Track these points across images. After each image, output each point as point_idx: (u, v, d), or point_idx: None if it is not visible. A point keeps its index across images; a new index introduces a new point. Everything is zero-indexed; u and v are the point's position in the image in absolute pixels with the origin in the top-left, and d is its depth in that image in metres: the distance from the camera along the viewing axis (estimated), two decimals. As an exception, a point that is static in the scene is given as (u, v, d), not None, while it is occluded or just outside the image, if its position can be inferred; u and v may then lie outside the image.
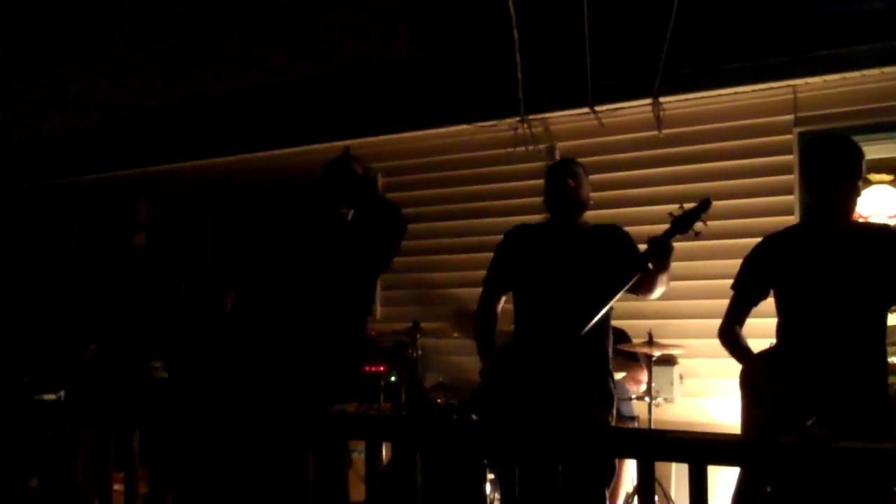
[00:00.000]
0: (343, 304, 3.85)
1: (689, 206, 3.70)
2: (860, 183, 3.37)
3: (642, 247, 3.81)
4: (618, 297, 3.74)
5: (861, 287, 3.28)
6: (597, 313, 3.69)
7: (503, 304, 4.16)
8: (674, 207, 3.75)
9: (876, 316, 3.34)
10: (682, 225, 3.68)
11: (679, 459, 2.58)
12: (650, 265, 3.75)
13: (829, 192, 3.34)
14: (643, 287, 3.83)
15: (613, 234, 4.01)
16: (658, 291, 3.88)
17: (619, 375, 5.36)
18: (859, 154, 3.36)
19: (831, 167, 3.32)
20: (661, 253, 3.71)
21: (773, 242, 3.58)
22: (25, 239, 9.28)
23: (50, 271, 7.85)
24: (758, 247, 3.64)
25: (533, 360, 3.79)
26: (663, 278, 3.81)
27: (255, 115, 9.05)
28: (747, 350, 3.59)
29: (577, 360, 3.77)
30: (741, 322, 3.64)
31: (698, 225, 3.66)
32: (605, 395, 3.89)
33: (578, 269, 3.86)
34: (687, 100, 6.01)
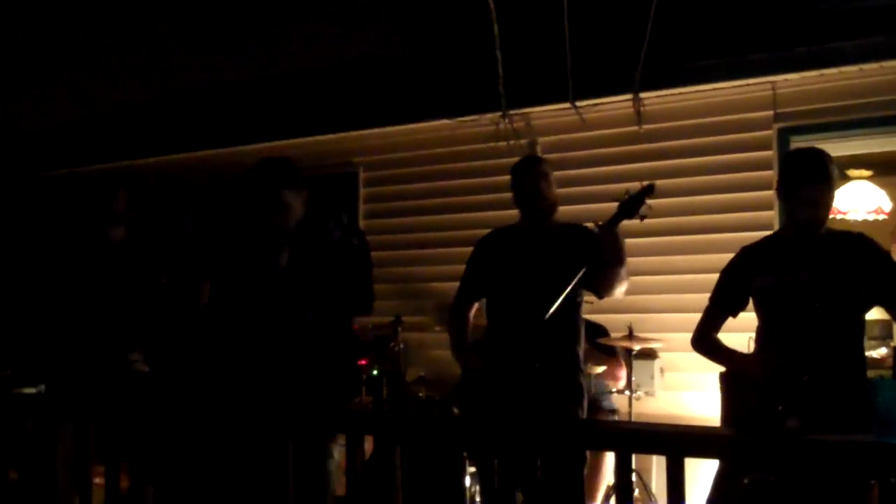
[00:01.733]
0: (325, 300, 3.84)
1: (634, 190, 3.74)
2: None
3: None
4: (575, 281, 3.75)
5: (837, 293, 3.37)
6: (555, 301, 3.72)
7: (476, 308, 4.29)
8: (620, 192, 3.79)
9: (853, 319, 3.44)
10: (629, 210, 3.70)
11: (656, 451, 2.59)
12: (604, 252, 3.78)
13: (816, 200, 3.39)
14: (602, 283, 3.88)
15: (580, 233, 4.04)
16: (619, 288, 3.91)
17: (599, 369, 5.39)
18: (832, 162, 3.47)
19: (821, 176, 3.38)
20: (608, 239, 3.73)
21: (751, 253, 3.65)
22: (5, 233, 9.22)
23: (29, 265, 7.80)
24: (736, 258, 3.70)
25: (503, 354, 3.87)
26: (620, 272, 3.83)
27: (238, 110, 9.01)
28: (732, 351, 3.63)
29: (544, 354, 3.82)
30: (716, 331, 3.72)
31: (644, 209, 3.70)
32: (574, 390, 3.95)
33: (548, 269, 3.90)
34: (667, 95, 6.03)
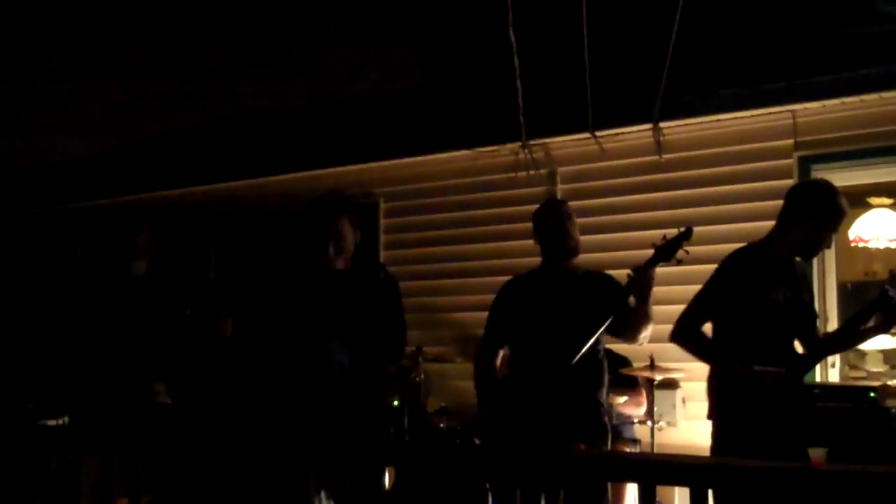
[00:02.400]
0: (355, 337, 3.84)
1: (671, 234, 3.73)
2: None
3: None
4: (602, 329, 3.78)
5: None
6: (583, 345, 3.72)
7: (501, 355, 4.23)
8: (657, 237, 3.78)
9: None
10: (665, 253, 3.71)
11: (679, 483, 2.58)
12: (631, 298, 3.79)
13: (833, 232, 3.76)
14: (628, 326, 3.86)
15: (605, 282, 4.03)
16: (643, 333, 3.91)
17: (620, 399, 5.37)
18: None
19: (841, 211, 3.74)
20: (642, 283, 3.74)
21: (750, 262, 3.79)
22: (32, 264, 9.30)
23: (54, 297, 7.86)
24: (736, 264, 3.82)
25: (526, 394, 3.86)
26: (647, 316, 3.83)
27: (260, 141, 9.09)
28: (720, 351, 3.75)
29: (568, 393, 3.81)
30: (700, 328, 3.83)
31: (680, 253, 3.69)
32: (598, 426, 3.93)
33: (572, 316, 3.88)
34: (687, 125, 6.04)
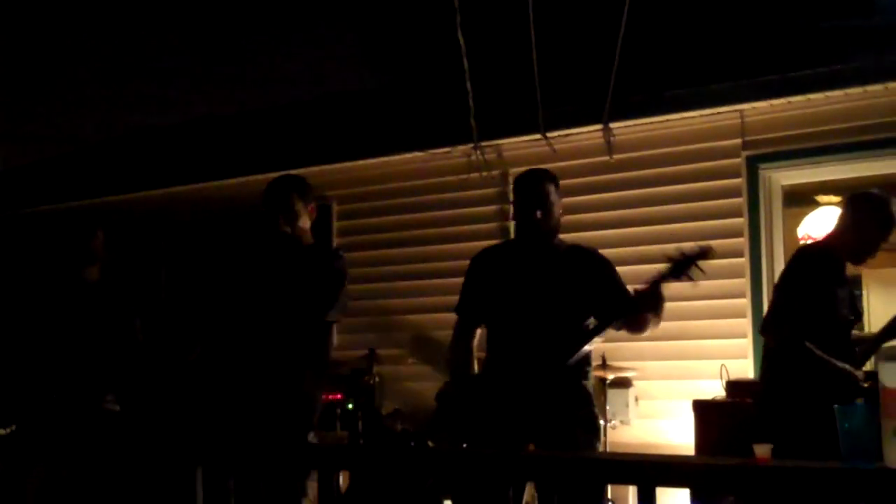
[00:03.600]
0: (300, 331, 3.82)
1: (689, 249, 3.47)
2: None
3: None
4: (599, 331, 3.56)
5: None
6: (581, 347, 3.53)
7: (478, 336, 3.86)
8: (671, 249, 3.52)
9: None
10: (678, 270, 3.45)
11: (630, 482, 2.58)
12: (644, 308, 3.53)
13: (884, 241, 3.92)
14: (634, 326, 3.62)
15: (592, 260, 3.73)
16: (648, 330, 3.65)
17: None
18: None
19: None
20: (654, 300, 3.49)
21: (832, 263, 3.89)
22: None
23: (1, 304, 7.72)
24: (822, 263, 3.88)
25: (511, 390, 3.53)
26: (655, 323, 3.60)
27: (209, 145, 9.00)
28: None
29: (560, 391, 3.53)
30: None
31: (694, 272, 3.43)
32: (591, 423, 3.62)
33: (557, 293, 3.60)
34: (637, 125, 6.07)
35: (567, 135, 6.26)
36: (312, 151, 7.32)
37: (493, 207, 6.48)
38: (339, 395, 5.94)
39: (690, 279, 3.42)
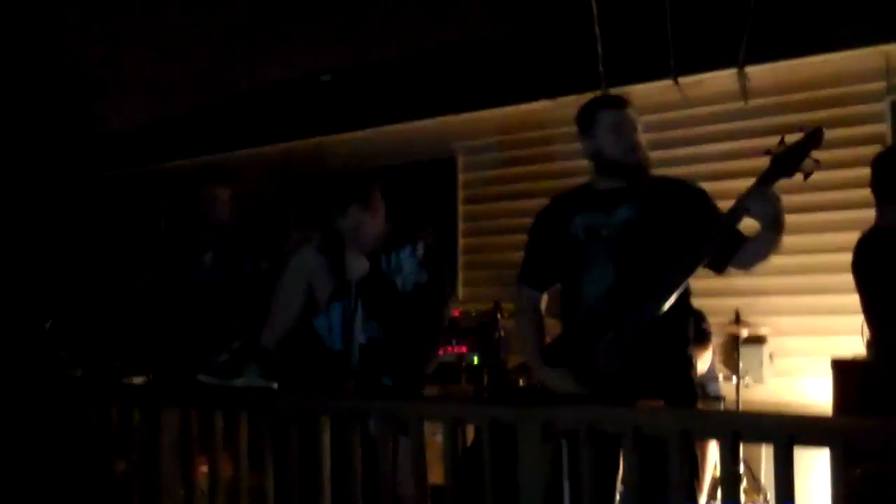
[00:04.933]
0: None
1: (792, 139, 2.93)
2: None
3: None
4: (701, 264, 3.05)
5: None
6: (675, 287, 3.01)
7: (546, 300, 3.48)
8: (772, 143, 3.01)
9: None
10: (785, 164, 2.90)
11: (762, 440, 2.52)
12: (758, 222, 3.00)
13: None
14: (746, 257, 3.09)
15: (685, 191, 3.28)
16: (761, 263, 3.13)
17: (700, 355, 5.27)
18: None
19: None
20: (763, 203, 2.92)
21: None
22: (116, 225, 9.52)
23: (138, 259, 8.05)
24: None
25: (596, 352, 3.10)
26: (778, 242, 3.00)
27: (331, 100, 9.11)
28: None
29: (652, 351, 3.08)
30: None
31: (807, 163, 2.89)
32: (689, 392, 3.24)
33: (646, 241, 3.14)
34: (773, 68, 5.86)
35: (699, 80, 6.10)
36: (435, 102, 7.33)
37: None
38: (464, 349, 5.98)
39: (805, 173, 2.89)
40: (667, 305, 3.04)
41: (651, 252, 3.11)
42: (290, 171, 8.27)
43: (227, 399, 3.40)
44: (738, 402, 5.22)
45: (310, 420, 3.07)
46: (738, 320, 5.24)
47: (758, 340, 5.59)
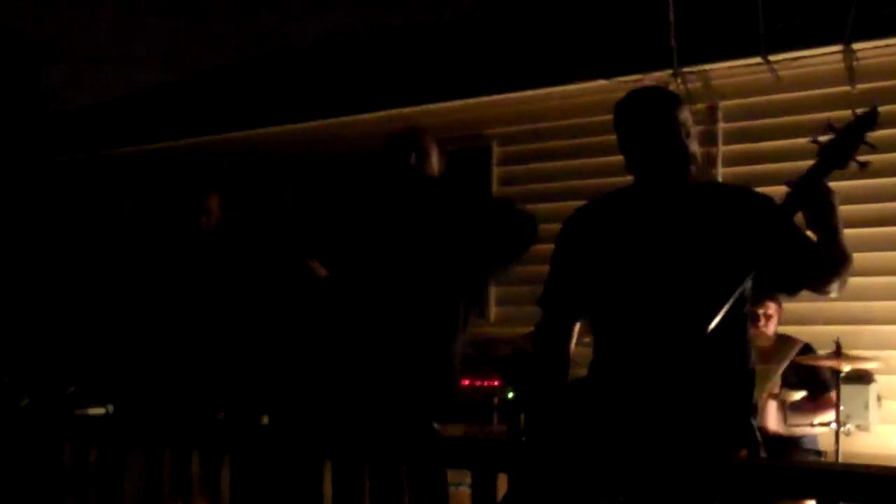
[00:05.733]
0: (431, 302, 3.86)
1: (841, 125, 2.88)
2: None
3: None
4: (750, 275, 3.04)
5: None
6: (724, 301, 2.99)
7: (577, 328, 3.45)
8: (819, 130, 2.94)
9: None
10: (837, 153, 2.89)
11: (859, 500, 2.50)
12: (808, 223, 2.96)
13: None
14: (804, 274, 3.07)
15: (745, 200, 3.23)
16: (835, 280, 3.05)
17: (797, 395, 5.26)
18: None
19: None
20: (811, 199, 2.92)
21: None
22: (70, 217, 9.58)
23: (99, 256, 8.10)
24: None
25: (633, 392, 3.10)
26: (837, 253, 2.98)
27: (343, 73, 9.16)
28: None
29: (699, 388, 3.07)
30: None
31: (864, 151, 2.87)
32: (746, 434, 3.19)
33: (693, 254, 3.14)
34: (888, 45, 5.86)
35: (796, 58, 6.10)
36: (469, 80, 7.35)
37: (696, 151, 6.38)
38: (496, 382, 5.99)
39: (860, 164, 2.85)
40: (713, 325, 3.00)
41: (696, 267, 3.11)
42: (283, 158, 8.31)
43: (207, 437, 3.42)
44: (837, 453, 5.19)
45: (308, 464, 3.08)
46: (838, 353, 5.21)
47: (863, 378, 5.58)
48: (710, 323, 2.96)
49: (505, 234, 3.82)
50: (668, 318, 3.07)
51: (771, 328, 5.20)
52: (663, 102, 3.26)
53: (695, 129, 3.20)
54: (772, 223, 3.01)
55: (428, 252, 3.86)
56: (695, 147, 3.21)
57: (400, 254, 3.89)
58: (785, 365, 5.21)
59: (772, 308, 5.17)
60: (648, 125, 3.21)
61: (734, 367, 3.19)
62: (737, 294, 3.00)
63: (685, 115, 3.21)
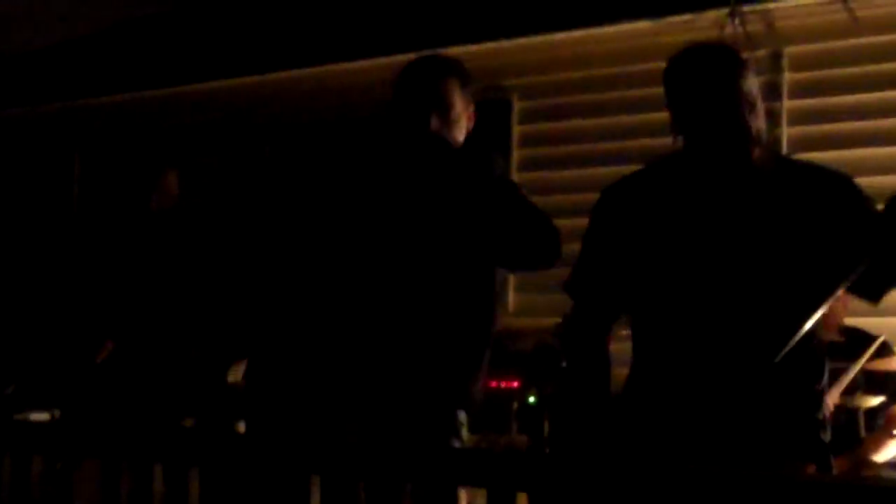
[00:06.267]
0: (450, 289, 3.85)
1: None
2: None
3: None
4: (839, 287, 3.08)
5: None
6: (801, 325, 3.05)
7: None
8: None
9: None
10: None
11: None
12: None
13: None
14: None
15: (829, 185, 3.24)
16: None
17: (875, 401, 5.26)
18: None
19: None
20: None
21: None
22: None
23: (42, 235, 8.12)
24: None
25: (690, 412, 3.17)
26: None
27: (338, 15, 9.15)
28: None
29: (770, 406, 3.16)
30: None
31: None
32: (815, 448, 3.26)
33: (766, 252, 3.17)
34: None
35: (876, -4, 6.10)
36: (485, 21, 7.34)
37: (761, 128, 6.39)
38: (515, 384, 6.00)
39: None
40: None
41: (769, 263, 3.15)
42: (264, 116, 8.32)
43: (171, 448, 3.43)
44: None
45: (291, 480, 3.10)
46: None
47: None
48: (785, 346, 3.01)
49: (524, 247, 3.78)
50: (734, 331, 3.12)
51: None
52: (725, 68, 3.27)
53: (761, 102, 3.24)
54: (874, 223, 3.06)
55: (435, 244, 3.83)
56: (760, 123, 3.23)
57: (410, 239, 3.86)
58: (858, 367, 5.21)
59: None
60: (704, 96, 3.24)
61: (804, 383, 3.22)
62: (821, 311, 3.05)
63: (750, 83, 3.25)
